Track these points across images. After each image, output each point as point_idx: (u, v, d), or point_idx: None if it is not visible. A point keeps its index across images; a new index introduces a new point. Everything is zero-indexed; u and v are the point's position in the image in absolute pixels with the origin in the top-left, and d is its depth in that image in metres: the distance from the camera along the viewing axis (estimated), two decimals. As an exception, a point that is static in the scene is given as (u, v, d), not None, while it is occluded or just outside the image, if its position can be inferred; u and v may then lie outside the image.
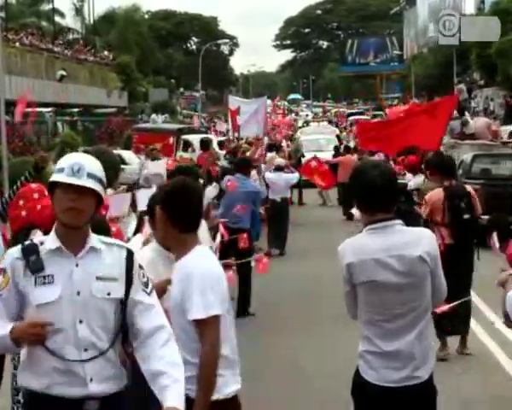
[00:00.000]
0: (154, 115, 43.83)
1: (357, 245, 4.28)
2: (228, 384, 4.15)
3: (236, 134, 20.84)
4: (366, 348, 4.27)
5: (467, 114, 25.85)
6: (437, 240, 7.18)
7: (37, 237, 5.77)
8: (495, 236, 6.85)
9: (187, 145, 24.42)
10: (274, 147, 21.24)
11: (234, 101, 20.15)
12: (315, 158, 21.26)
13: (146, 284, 3.76)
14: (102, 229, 4.53)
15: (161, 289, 4.58)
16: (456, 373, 8.28)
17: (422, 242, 4.24)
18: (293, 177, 17.12)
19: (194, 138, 24.04)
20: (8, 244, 5.92)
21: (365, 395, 4.29)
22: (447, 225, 8.75)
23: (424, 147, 12.02)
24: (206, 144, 17.89)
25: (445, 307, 6.99)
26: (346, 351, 9.48)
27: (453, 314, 7.48)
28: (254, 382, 7.91)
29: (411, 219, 8.63)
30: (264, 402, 7.62)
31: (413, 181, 16.03)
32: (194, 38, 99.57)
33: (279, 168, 16.75)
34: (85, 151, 22.90)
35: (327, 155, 24.90)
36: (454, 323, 8.58)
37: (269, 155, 19.42)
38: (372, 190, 4.20)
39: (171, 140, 22.95)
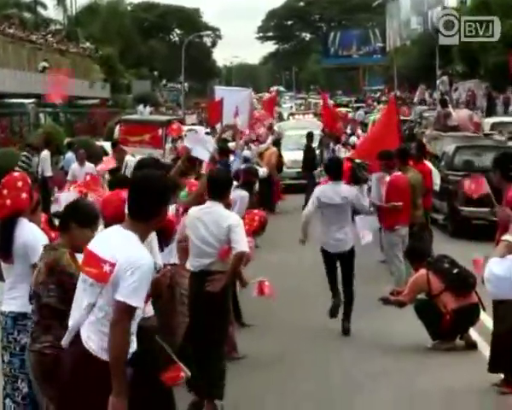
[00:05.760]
0: (140, 106, 43.28)
1: (320, 189, 10.07)
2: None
3: (213, 126, 20.65)
4: (322, 234, 9.92)
5: (449, 105, 26.00)
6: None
7: (22, 224, 5.78)
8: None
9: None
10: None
11: (220, 91, 19.97)
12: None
13: None
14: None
15: None
16: (440, 366, 8.36)
17: (348, 190, 9.93)
18: (260, 170, 16.76)
19: (185, 130, 23.73)
20: None
21: (325, 256, 9.92)
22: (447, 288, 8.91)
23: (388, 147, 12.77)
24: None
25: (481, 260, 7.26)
26: (346, 347, 9.54)
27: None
28: (251, 380, 7.95)
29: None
30: (260, 402, 7.66)
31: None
32: (176, 30, 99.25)
33: (246, 160, 16.49)
34: (69, 143, 22.52)
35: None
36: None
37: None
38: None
39: (160, 132, 22.61)
